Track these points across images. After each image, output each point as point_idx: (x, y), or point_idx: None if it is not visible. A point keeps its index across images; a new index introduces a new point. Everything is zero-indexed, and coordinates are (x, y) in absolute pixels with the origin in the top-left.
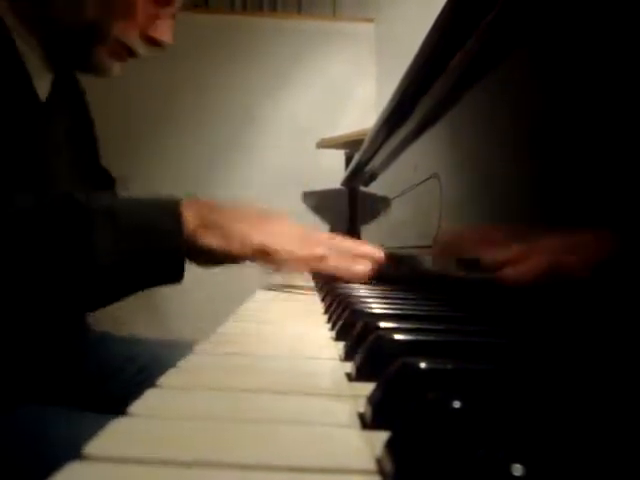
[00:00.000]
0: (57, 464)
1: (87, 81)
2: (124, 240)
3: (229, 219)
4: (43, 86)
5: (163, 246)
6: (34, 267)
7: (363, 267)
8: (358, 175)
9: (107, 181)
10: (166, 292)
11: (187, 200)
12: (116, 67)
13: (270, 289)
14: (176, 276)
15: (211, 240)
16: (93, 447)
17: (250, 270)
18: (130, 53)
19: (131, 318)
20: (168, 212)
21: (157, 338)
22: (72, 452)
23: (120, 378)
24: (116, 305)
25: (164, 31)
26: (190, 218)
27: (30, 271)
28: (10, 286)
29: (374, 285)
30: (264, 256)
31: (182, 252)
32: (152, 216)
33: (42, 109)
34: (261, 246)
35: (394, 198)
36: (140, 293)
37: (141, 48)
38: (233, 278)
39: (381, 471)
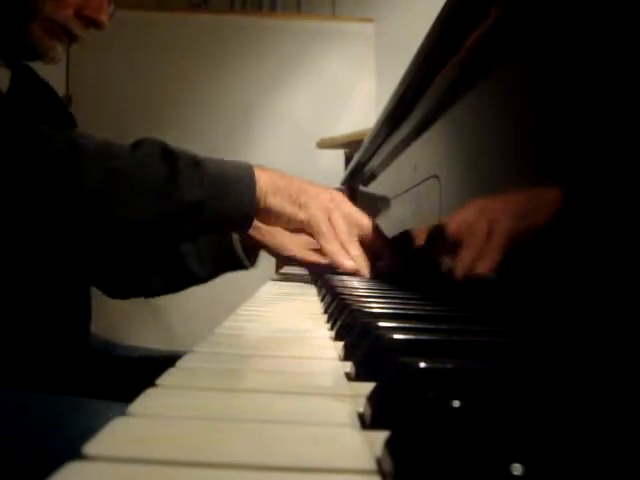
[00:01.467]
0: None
1: (88, 81)
2: (206, 181)
3: (296, 186)
4: (2, 81)
5: (238, 192)
6: (130, 199)
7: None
8: (358, 175)
9: None
10: (166, 295)
11: (260, 167)
12: (58, 50)
13: (273, 282)
14: (245, 223)
15: (277, 200)
16: (92, 447)
17: (249, 273)
18: (67, 34)
19: (129, 322)
20: (244, 168)
21: (161, 348)
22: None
23: (123, 380)
24: (115, 309)
25: (98, 10)
26: (262, 179)
27: (125, 202)
28: (107, 218)
29: (373, 284)
30: (308, 229)
31: (253, 200)
32: (231, 168)
33: (2, 100)
34: (310, 220)
35: (394, 198)
36: (140, 299)
37: (77, 27)
38: (233, 281)
39: (381, 471)
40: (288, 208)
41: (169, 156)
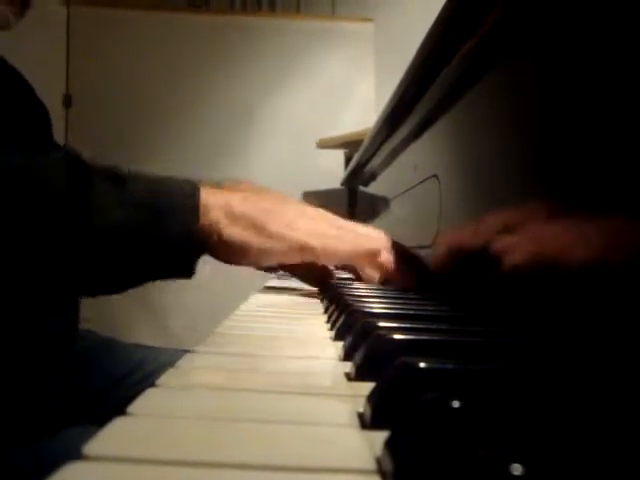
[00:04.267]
0: None
1: (88, 81)
2: (128, 203)
3: (261, 211)
4: None
5: (172, 223)
6: (29, 226)
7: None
8: (358, 175)
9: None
10: (165, 294)
11: (209, 186)
12: (9, 16)
13: (268, 291)
14: (186, 268)
15: (237, 231)
16: (92, 447)
17: (250, 271)
18: None
19: (129, 322)
20: (185, 190)
21: (164, 346)
22: None
23: (127, 384)
24: (114, 308)
25: None
26: (211, 202)
27: (25, 230)
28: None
29: (373, 285)
30: (308, 255)
31: (193, 235)
32: (165, 186)
33: None
34: (305, 245)
35: (393, 198)
36: (140, 296)
37: None
38: (233, 280)
39: (381, 471)
40: (254, 241)
41: (79, 166)
